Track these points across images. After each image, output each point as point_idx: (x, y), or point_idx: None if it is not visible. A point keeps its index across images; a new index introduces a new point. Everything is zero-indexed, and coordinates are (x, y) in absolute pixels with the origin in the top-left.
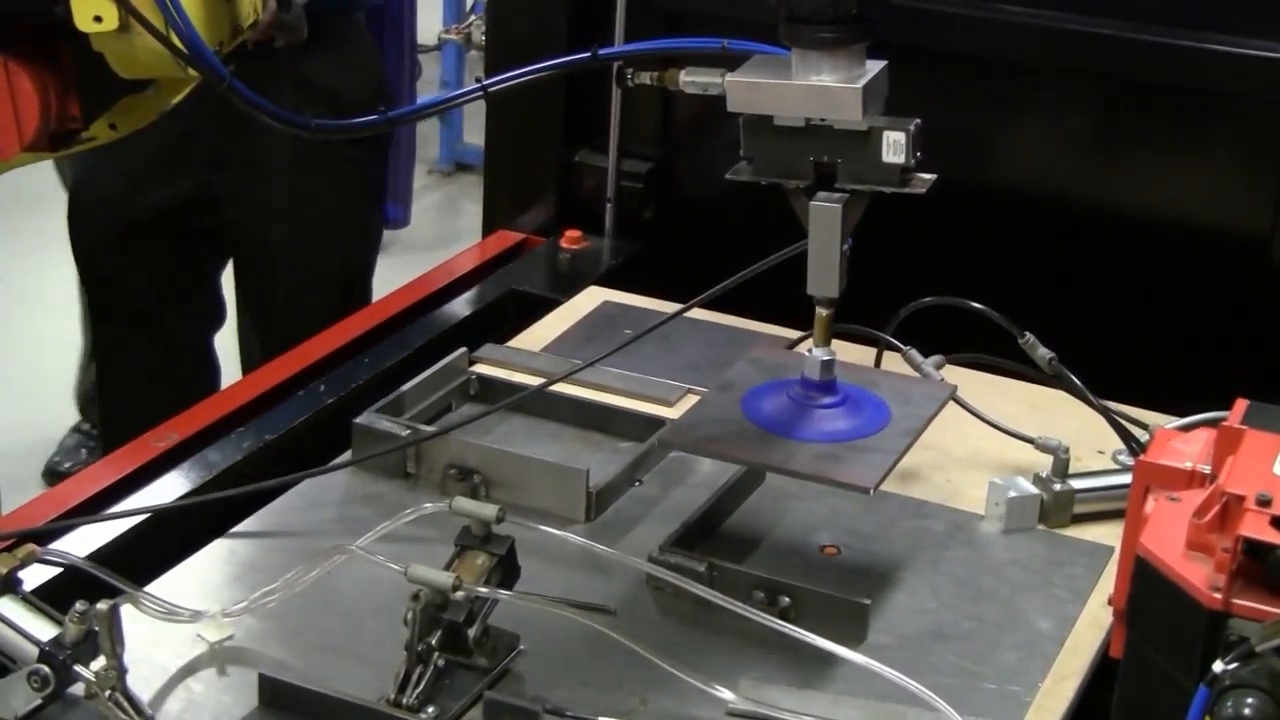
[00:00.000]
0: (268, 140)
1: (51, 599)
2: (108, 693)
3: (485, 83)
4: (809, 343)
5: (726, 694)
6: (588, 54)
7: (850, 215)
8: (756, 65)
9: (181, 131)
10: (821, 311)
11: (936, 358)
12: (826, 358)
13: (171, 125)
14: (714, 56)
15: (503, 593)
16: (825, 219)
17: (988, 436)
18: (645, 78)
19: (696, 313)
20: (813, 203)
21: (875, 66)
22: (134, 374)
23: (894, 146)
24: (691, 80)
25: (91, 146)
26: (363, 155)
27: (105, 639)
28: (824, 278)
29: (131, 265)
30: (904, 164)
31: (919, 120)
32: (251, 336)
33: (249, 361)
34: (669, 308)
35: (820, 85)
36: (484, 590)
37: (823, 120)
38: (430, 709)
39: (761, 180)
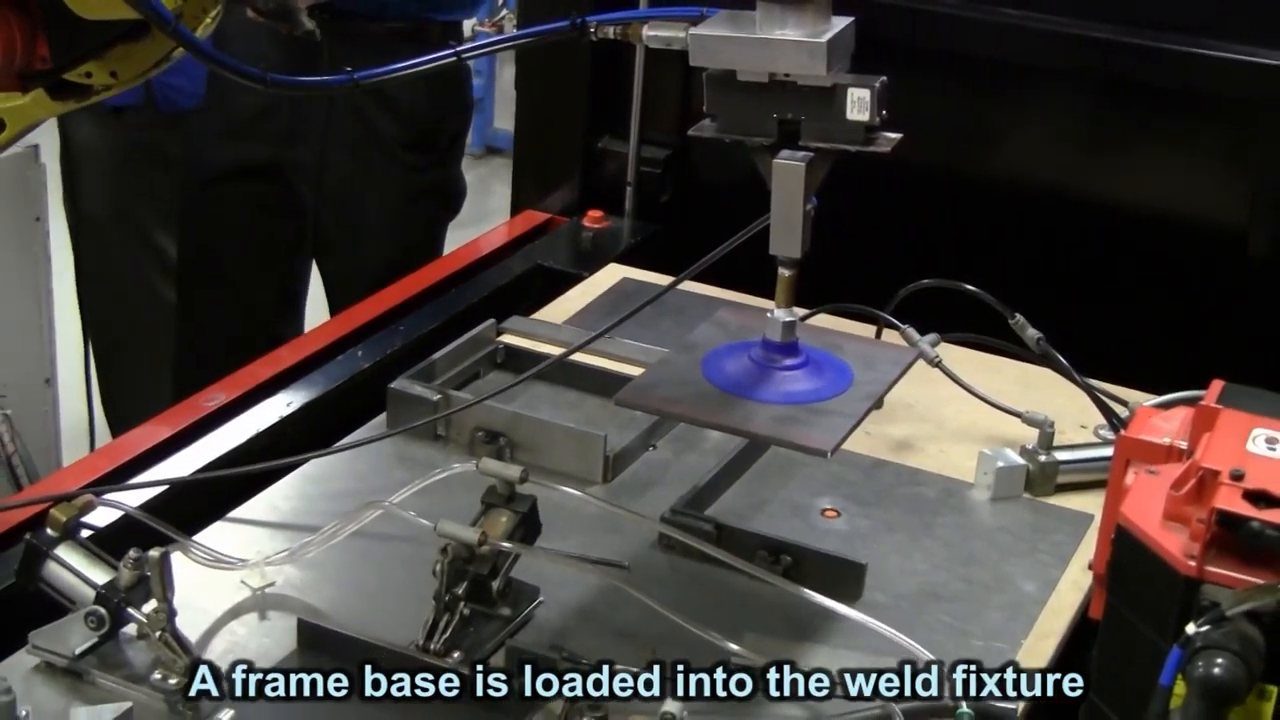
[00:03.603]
0: (330, 130)
1: (107, 546)
2: (158, 633)
3: (459, 49)
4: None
5: (731, 646)
6: (566, 22)
7: (814, 174)
8: (721, 20)
9: (261, 102)
10: (784, 272)
11: (932, 336)
12: (788, 319)
13: (253, 96)
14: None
15: (524, 548)
16: (788, 178)
17: (979, 410)
18: (609, 31)
19: (713, 290)
20: (775, 161)
21: (841, 23)
22: (214, 336)
23: (858, 104)
24: (655, 34)
25: (105, 96)
26: (419, 160)
27: (156, 584)
28: (787, 238)
29: (218, 222)
30: (868, 122)
31: (885, 78)
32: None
33: None
34: (685, 285)
35: (784, 39)
36: (507, 545)
37: (786, 76)
38: (456, 654)
39: (725, 138)
